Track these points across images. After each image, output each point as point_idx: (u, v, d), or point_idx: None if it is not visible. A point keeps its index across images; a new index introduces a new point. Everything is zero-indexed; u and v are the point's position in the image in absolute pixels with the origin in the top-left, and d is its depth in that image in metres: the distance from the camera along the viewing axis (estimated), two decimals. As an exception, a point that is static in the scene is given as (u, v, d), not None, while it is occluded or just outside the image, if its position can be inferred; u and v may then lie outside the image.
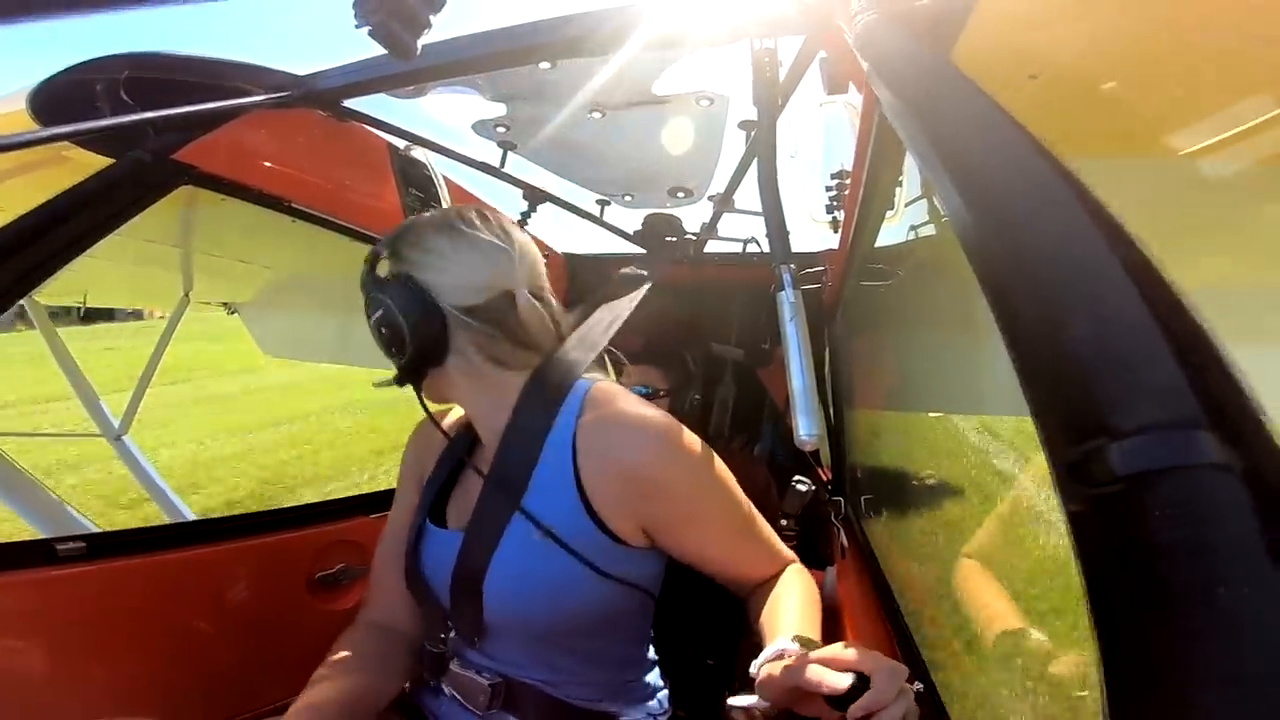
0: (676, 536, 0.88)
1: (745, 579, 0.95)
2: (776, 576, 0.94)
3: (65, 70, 0.96)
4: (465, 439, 1.01)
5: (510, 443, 0.88)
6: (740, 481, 0.93)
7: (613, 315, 1.02)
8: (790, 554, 0.98)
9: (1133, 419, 0.22)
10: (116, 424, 3.05)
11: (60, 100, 0.96)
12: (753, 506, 0.94)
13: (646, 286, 1.09)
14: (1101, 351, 0.24)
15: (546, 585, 0.84)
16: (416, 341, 0.85)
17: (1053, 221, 0.29)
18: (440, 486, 0.99)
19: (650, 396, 1.80)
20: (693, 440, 0.88)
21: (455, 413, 1.08)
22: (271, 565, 1.41)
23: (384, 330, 0.86)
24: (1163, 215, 0.68)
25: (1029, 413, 0.28)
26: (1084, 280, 0.26)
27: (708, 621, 1.36)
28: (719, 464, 0.90)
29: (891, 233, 1.20)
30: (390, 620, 1.00)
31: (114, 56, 0.98)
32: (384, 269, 0.88)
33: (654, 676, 1.04)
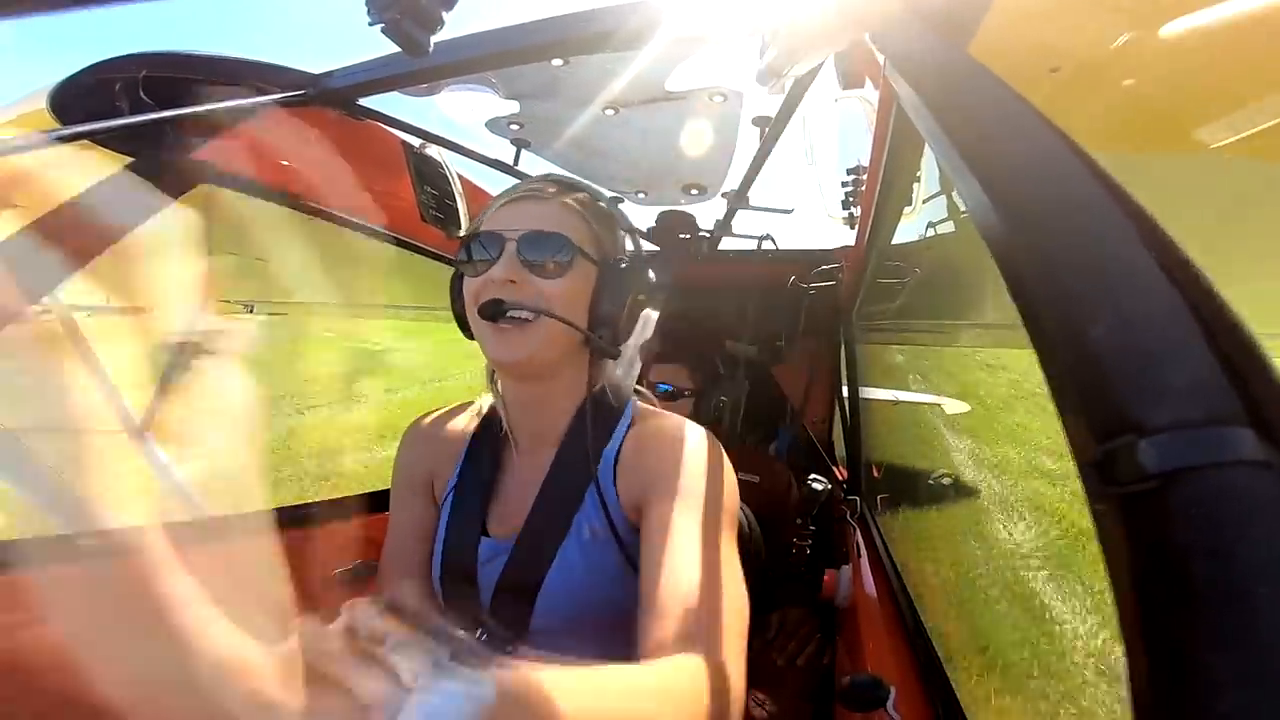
0: (653, 507, 0.79)
1: (653, 603, 0.67)
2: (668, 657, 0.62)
3: (84, 69, 0.97)
4: (489, 441, 0.98)
5: (572, 450, 0.90)
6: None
7: (642, 325, 1.02)
8: (724, 652, 0.63)
9: (1165, 414, 0.22)
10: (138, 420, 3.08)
11: (80, 99, 0.97)
12: (729, 555, 0.75)
13: (666, 294, 1.08)
14: (1131, 345, 0.24)
15: (605, 584, 0.85)
16: (635, 327, 0.92)
17: (1081, 214, 0.28)
18: (478, 492, 0.95)
19: (674, 396, 1.80)
20: (716, 446, 0.88)
21: (458, 411, 1.06)
22: (294, 561, 1.42)
23: (633, 306, 0.90)
24: (1193, 210, 0.66)
25: (1054, 409, 0.27)
26: (1114, 272, 0.26)
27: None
28: (723, 479, 0.85)
29: (909, 229, 1.18)
30: None
31: (132, 56, 0.99)
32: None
33: None
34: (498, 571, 0.88)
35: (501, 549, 0.89)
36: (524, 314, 0.81)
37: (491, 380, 0.98)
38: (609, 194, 1.85)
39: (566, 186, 0.90)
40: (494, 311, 0.81)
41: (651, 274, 0.94)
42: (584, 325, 0.86)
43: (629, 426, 0.92)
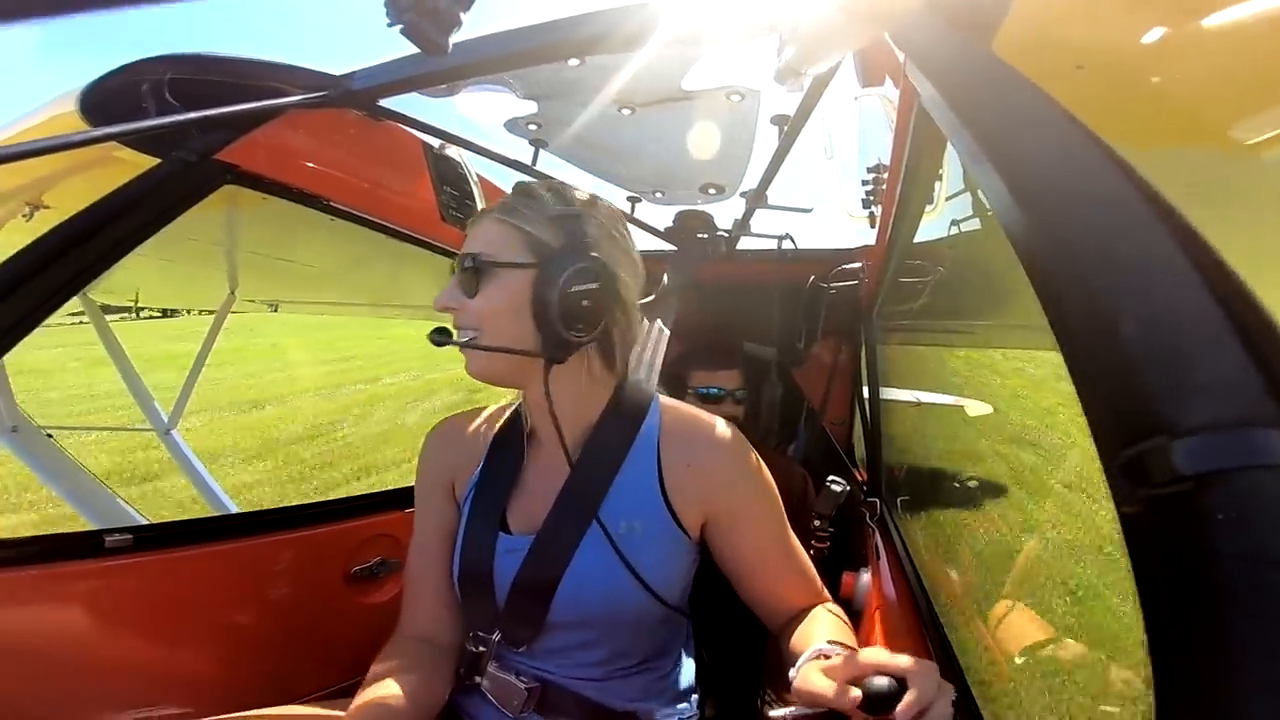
0: (732, 530, 0.93)
1: (780, 598, 0.95)
2: (810, 609, 0.94)
3: (113, 72, 0.99)
4: (513, 441, 0.98)
5: (595, 449, 0.92)
6: (777, 481, 0.95)
7: (657, 329, 1.02)
8: (827, 594, 0.99)
9: (1196, 416, 0.21)
10: (166, 418, 3.14)
11: (108, 101, 0.99)
12: (796, 540, 0.98)
13: (677, 298, 1.07)
14: (1161, 344, 0.23)
15: (632, 579, 0.87)
16: (591, 320, 0.83)
17: (1108, 212, 0.28)
18: (497, 490, 0.96)
19: (719, 398, 1.75)
20: (751, 448, 0.95)
21: (482, 413, 1.06)
22: (310, 558, 1.44)
23: (565, 301, 0.80)
24: (1227, 209, 0.65)
25: (1080, 411, 0.27)
26: (1142, 271, 0.25)
27: (734, 621, 1.35)
28: (770, 477, 0.96)
29: (931, 228, 1.17)
30: (432, 634, 0.97)
31: (158, 58, 1.01)
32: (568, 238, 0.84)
33: (688, 677, 1.04)
34: (515, 566, 0.89)
35: (520, 544, 0.90)
36: (466, 336, 0.85)
37: None
38: (627, 194, 1.85)
39: (509, 195, 0.88)
40: (437, 341, 0.85)
41: (592, 255, 0.83)
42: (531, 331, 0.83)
43: (659, 426, 0.94)
